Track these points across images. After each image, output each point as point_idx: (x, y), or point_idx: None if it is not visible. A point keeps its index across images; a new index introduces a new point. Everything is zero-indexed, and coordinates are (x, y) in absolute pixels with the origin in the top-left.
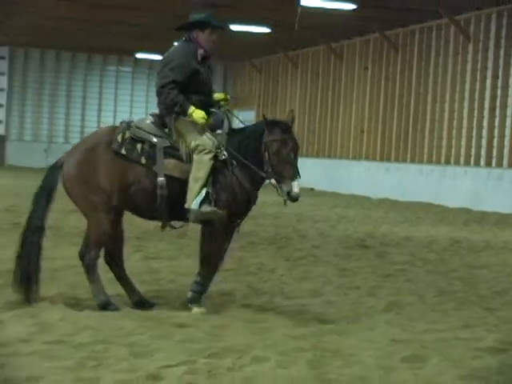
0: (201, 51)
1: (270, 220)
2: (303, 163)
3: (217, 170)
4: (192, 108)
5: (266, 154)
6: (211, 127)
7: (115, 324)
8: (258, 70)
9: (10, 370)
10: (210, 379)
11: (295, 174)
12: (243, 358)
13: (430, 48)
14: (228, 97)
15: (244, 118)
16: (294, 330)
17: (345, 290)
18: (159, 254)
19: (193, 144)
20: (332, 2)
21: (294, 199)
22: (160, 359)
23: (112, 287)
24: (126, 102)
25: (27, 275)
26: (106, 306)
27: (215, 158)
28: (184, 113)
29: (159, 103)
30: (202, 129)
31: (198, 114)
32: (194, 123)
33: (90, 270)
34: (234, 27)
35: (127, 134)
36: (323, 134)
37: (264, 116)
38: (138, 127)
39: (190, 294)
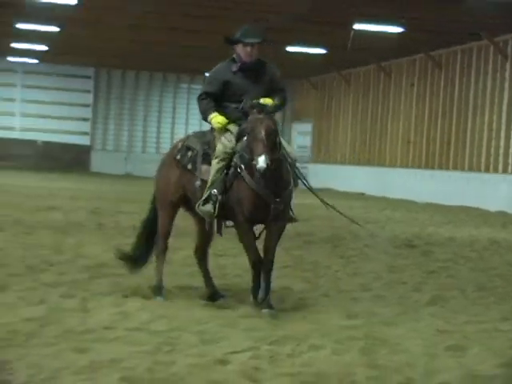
0: (238, 64)
1: (325, 221)
2: (356, 171)
3: (230, 174)
4: (213, 114)
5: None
6: (242, 133)
7: (187, 313)
8: (315, 86)
9: (96, 353)
10: (272, 364)
11: (263, 150)
12: (301, 345)
13: (470, 67)
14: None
15: (302, 129)
16: (346, 321)
17: (393, 285)
18: (226, 251)
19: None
20: (381, 26)
21: (261, 172)
22: (227, 346)
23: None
24: (196, 115)
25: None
26: (156, 291)
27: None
28: (206, 119)
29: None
30: (229, 135)
31: (215, 120)
32: (225, 130)
33: (158, 257)
34: (293, 48)
35: (185, 143)
36: (373, 144)
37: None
38: (194, 136)
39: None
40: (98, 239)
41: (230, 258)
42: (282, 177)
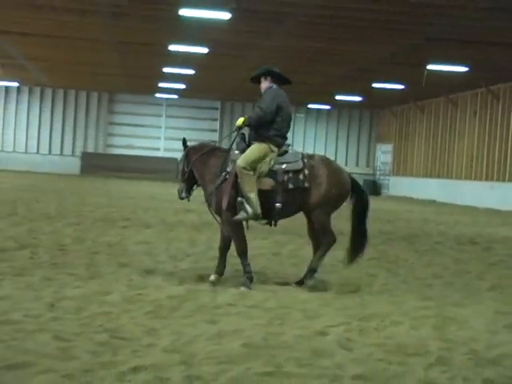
0: None
1: (403, 223)
2: (427, 182)
3: None
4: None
5: None
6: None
7: (293, 295)
8: (395, 115)
9: (223, 324)
10: (361, 336)
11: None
12: (385, 321)
13: None
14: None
15: (385, 149)
16: (421, 303)
17: (459, 274)
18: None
19: None
20: (450, 66)
21: None
22: (325, 321)
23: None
24: (299, 142)
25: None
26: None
27: None
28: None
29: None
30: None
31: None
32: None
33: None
34: (377, 85)
35: None
36: (443, 161)
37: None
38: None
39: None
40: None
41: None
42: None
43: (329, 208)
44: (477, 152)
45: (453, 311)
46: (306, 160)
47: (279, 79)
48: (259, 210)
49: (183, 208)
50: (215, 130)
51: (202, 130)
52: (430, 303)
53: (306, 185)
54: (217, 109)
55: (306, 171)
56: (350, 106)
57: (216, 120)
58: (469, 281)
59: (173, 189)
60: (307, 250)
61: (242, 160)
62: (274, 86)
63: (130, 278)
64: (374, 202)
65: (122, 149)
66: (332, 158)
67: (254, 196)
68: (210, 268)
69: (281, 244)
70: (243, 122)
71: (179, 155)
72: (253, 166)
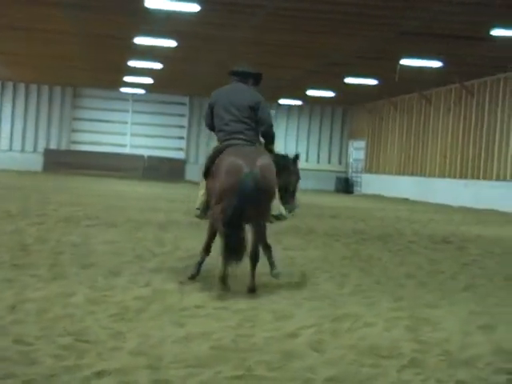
0: None
1: (376, 221)
2: (400, 179)
3: None
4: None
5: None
6: None
7: (263, 296)
8: (369, 111)
9: (191, 327)
10: (333, 338)
11: None
12: (357, 322)
13: (498, 94)
14: None
15: (357, 145)
16: (395, 303)
17: (433, 274)
18: (293, 245)
19: None
20: (423, 61)
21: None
22: (296, 322)
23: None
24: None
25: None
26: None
27: None
28: (273, 142)
29: (268, 134)
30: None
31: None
32: (266, 149)
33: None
34: (350, 80)
35: None
36: (416, 158)
37: None
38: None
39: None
40: (192, 234)
41: (297, 251)
42: None
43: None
44: (450, 149)
45: (426, 312)
46: None
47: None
48: None
49: (150, 207)
50: (183, 127)
51: (170, 126)
52: (403, 304)
53: None
54: (185, 104)
55: None
56: (322, 102)
57: (184, 116)
58: (442, 281)
59: (139, 187)
60: (276, 250)
61: None
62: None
63: (95, 279)
64: (346, 200)
65: (87, 145)
66: (303, 155)
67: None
68: (178, 269)
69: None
70: None
71: (146, 151)
72: None
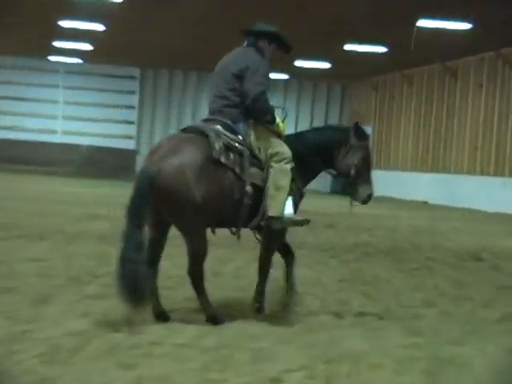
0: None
1: (385, 232)
2: (417, 177)
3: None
4: (278, 117)
5: (353, 158)
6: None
7: (239, 329)
8: (375, 87)
9: (142, 370)
10: None
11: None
12: (359, 364)
13: None
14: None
15: None
16: (408, 339)
17: (459, 301)
18: (277, 264)
19: (270, 151)
20: (447, 22)
21: (366, 201)
22: (281, 364)
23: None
24: None
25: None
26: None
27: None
28: (273, 121)
29: (253, 110)
30: (278, 137)
31: (284, 125)
32: (270, 131)
33: (201, 289)
34: (352, 47)
35: (222, 142)
36: (437, 149)
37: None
38: (225, 135)
39: (256, 306)
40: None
41: (281, 271)
42: None
43: None
44: (483, 138)
45: (449, 350)
46: None
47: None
48: None
49: (90, 213)
50: (133, 107)
51: (115, 106)
52: (419, 340)
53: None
54: (135, 78)
55: None
56: (314, 76)
57: (134, 93)
58: (471, 310)
59: (75, 186)
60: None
61: None
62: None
63: (17, 309)
64: (346, 204)
65: (4, 131)
66: None
67: None
68: None
69: (223, 260)
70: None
71: (83, 140)
72: None
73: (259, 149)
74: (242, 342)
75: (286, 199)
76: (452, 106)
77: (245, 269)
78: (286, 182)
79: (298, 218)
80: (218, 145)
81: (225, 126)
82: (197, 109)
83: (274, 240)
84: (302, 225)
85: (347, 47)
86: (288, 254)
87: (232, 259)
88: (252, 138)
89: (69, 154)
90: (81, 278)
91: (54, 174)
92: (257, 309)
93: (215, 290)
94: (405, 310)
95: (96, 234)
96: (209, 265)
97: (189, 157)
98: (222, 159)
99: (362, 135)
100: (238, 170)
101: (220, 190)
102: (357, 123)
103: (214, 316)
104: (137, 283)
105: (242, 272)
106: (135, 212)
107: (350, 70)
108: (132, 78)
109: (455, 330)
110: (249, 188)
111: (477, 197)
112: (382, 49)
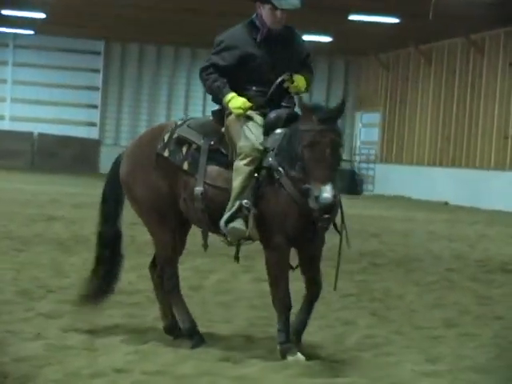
0: (262, 30)
1: (397, 238)
2: (435, 173)
3: (262, 180)
4: (230, 95)
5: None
6: (269, 125)
7: (221, 354)
8: (385, 66)
9: None
10: None
11: (329, 177)
12: None
13: None
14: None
15: (368, 120)
16: (425, 366)
17: (485, 320)
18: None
19: (238, 145)
20: None
21: (323, 207)
22: None
23: None
24: None
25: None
26: (193, 337)
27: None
28: (221, 101)
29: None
30: (255, 126)
31: (235, 103)
32: (248, 118)
33: (172, 294)
34: (357, 17)
35: (174, 134)
36: (460, 139)
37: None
38: (190, 125)
39: (278, 347)
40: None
41: None
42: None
43: None
44: None
45: (474, 379)
46: None
47: None
48: None
49: (44, 214)
50: (96, 89)
51: (75, 87)
52: (438, 367)
53: None
54: (98, 53)
55: None
56: (312, 51)
57: (97, 72)
58: (499, 331)
59: (26, 183)
60: (243, 281)
61: None
62: None
63: None
64: (350, 205)
65: None
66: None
67: None
68: (86, 312)
69: (203, 272)
70: (308, 86)
71: (36, 127)
72: None
73: (229, 142)
74: (223, 369)
75: (233, 205)
76: (478, 87)
77: (229, 282)
78: (236, 182)
79: (235, 227)
80: (166, 137)
81: (217, 116)
82: (173, 90)
83: (274, 262)
84: (244, 238)
85: (352, 17)
86: (309, 289)
87: (214, 271)
88: (224, 129)
89: (19, 144)
90: (32, 292)
91: (1, 167)
92: (285, 353)
93: (194, 306)
94: (421, 332)
95: (52, 240)
96: (186, 277)
97: (137, 147)
98: (165, 153)
99: (305, 113)
100: (185, 167)
101: (161, 187)
102: (300, 97)
103: (191, 332)
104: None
105: (225, 286)
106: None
107: (355, 45)
108: (95, 53)
109: (480, 356)
110: (199, 189)
111: (506, 197)
112: (393, 19)
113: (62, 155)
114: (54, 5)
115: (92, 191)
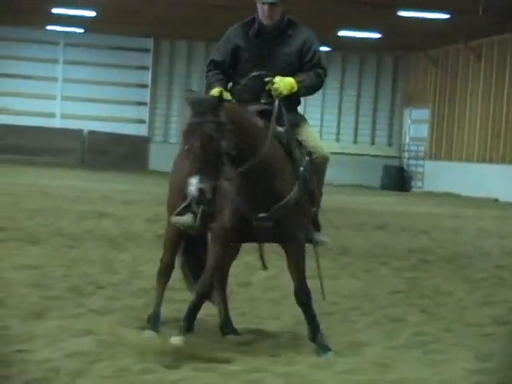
0: (255, 26)
1: (446, 235)
2: (485, 170)
3: None
4: (214, 90)
5: None
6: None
7: (271, 351)
8: (435, 62)
9: None
10: None
11: (195, 169)
12: None
13: None
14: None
15: (417, 116)
16: (475, 364)
17: None
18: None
19: None
20: None
21: (192, 200)
22: None
23: None
24: None
25: None
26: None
27: None
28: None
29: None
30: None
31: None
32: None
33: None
34: (406, 13)
35: None
36: (510, 136)
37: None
38: None
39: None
40: (159, 255)
41: (325, 280)
42: (272, 185)
43: None
44: None
45: None
46: None
47: None
48: None
49: (94, 212)
50: (145, 86)
51: (124, 85)
52: (489, 364)
53: None
54: (148, 51)
55: None
56: (361, 48)
57: (146, 69)
58: None
59: (76, 180)
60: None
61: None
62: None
63: (6, 325)
64: (399, 202)
65: None
66: (332, 129)
67: None
68: (136, 308)
69: (252, 269)
70: (292, 89)
71: (86, 125)
72: None
73: None
74: (273, 366)
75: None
76: None
77: (277, 279)
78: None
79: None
80: None
81: None
82: None
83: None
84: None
85: (401, 13)
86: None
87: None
88: None
89: (69, 141)
90: (82, 288)
91: (52, 164)
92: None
93: (242, 303)
94: (470, 329)
95: (101, 237)
96: (235, 273)
97: None
98: None
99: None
100: None
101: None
102: (220, 91)
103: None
104: None
105: (273, 282)
106: None
107: (405, 41)
108: (144, 50)
109: None
110: None
111: None
112: (442, 15)
113: (112, 152)
114: (104, 3)
115: (142, 188)
